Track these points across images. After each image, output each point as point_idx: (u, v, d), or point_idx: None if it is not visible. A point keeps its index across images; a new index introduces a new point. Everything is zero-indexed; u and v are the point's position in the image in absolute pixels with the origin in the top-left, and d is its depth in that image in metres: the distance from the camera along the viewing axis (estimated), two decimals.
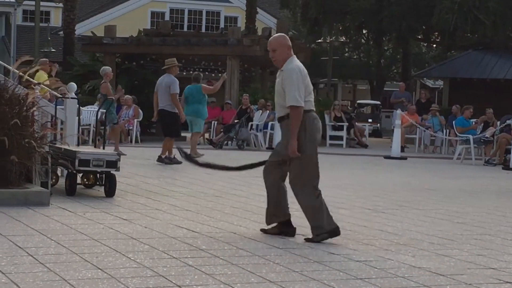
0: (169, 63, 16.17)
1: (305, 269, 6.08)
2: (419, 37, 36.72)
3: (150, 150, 18.85)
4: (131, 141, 23.47)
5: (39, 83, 11.77)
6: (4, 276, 5.42)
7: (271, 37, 7.84)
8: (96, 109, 17.14)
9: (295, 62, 7.57)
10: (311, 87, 7.63)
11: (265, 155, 8.25)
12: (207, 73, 29.23)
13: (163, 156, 15.91)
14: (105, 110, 15.86)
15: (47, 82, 14.03)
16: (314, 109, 7.62)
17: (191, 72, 27.30)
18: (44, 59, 19.04)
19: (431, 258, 6.81)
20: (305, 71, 7.57)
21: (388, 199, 11.33)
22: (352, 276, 5.92)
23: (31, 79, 10.98)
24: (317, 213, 7.37)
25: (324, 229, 7.34)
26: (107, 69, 18.13)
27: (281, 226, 7.64)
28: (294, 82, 7.40)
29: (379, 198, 11.33)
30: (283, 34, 8.04)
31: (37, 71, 12.84)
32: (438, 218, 9.47)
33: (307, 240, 7.38)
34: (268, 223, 7.72)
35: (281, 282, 5.61)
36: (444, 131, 24.33)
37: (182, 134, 20.93)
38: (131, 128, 23.60)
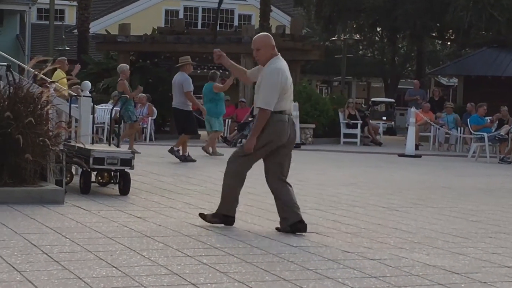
0: (182, 61, 16.17)
1: (319, 267, 6.07)
2: (434, 34, 36.58)
3: (164, 148, 18.79)
4: (145, 139, 23.51)
5: (53, 82, 11.80)
6: (19, 274, 5.44)
7: (255, 36, 7.85)
8: (111, 107, 17.13)
9: (277, 63, 7.54)
10: (289, 86, 7.55)
11: None
12: (221, 71, 29.21)
13: (175, 148, 15.89)
14: (119, 108, 15.86)
15: (64, 81, 14.06)
16: (287, 109, 7.56)
17: (205, 70, 27.31)
18: (62, 57, 19.03)
19: (446, 256, 6.79)
20: (286, 73, 7.52)
21: (403, 197, 11.30)
22: (367, 274, 5.91)
23: (46, 78, 11.01)
24: (227, 194, 7.68)
25: (220, 214, 7.75)
26: (124, 66, 18.08)
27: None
28: (270, 85, 7.43)
29: (394, 196, 11.30)
30: (267, 33, 8.04)
31: (55, 69, 12.85)
32: (453, 216, 9.44)
33: (201, 215, 7.87)
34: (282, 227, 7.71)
35: (296, 281, 5.61)
36: (459, 129, 24.24)
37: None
38: (145, 126, 23.62)
